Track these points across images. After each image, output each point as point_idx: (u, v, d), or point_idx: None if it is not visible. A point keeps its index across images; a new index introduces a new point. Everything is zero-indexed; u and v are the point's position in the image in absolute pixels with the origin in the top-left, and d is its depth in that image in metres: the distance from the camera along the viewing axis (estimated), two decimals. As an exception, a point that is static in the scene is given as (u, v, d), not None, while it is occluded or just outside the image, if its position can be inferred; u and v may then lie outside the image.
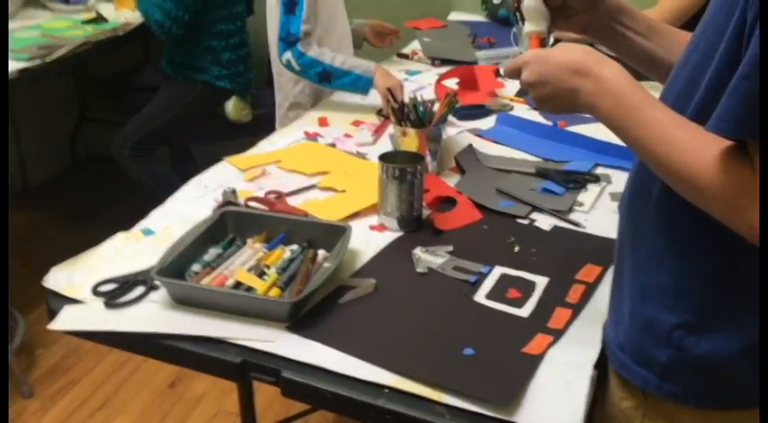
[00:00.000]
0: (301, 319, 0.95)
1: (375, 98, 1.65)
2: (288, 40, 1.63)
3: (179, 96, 2.25)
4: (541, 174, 1.37)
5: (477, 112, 1.67)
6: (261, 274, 1.02)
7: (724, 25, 0.66)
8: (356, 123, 1.63)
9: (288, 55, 1.64)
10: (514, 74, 0.81)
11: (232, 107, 2.24)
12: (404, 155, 1.22)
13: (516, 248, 1.13)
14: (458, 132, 1.57)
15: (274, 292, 0.99)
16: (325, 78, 1.64)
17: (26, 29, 2.27)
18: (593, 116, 0.76)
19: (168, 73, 2.28)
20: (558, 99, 0.77)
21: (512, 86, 1.77)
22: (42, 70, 2.04)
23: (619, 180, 1.35)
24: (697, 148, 0.65)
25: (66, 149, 3.06)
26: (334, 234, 1.09)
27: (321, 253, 1.08)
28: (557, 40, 1.37)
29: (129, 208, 1.32)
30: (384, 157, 1.18)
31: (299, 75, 1.67)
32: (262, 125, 1.94)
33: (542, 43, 0.87)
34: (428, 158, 1.36)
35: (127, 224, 1.19)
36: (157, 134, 2.28)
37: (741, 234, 0.64)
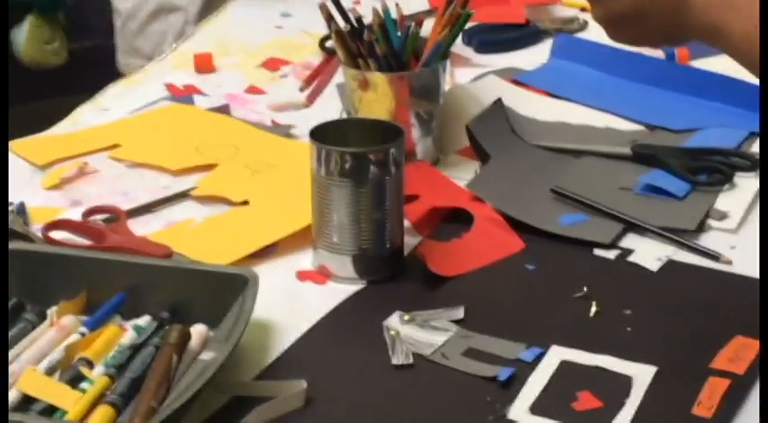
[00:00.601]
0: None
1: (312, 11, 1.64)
2: None
3: None
4: (643, 156, 1.38)
5: (513, 36, 1.70)
6: (75, 380, 1.02)
7: None
8: (271, 65, 1.65)
9: None
10: None
11: (26, 37, 2.25)
12: (364, 127, 1.23)
13: (593, 309, 1.15)
14: (474, 78, 1.60)
15: (102, 414, 0.99)
16: None
17: None
18: (718, 47, 0.82)
19: None
20: (648, 18, 0.83)
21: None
22: None
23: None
24: None
25: None
26: (223, 292, 1.10)
27: (198, 331, 1.08)
28: None
29: None
30: (321, 133, 1.19)
31: None
32: (84, 73, 1.94)
33: None
34: (414, 133, 1.38)
35: None
36: None
37: None
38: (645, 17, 0.85)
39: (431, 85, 1.38)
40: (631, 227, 1.27)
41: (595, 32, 1.63)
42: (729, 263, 1.22)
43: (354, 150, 1.16)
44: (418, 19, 1.40)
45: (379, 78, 1.36)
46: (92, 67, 1.95)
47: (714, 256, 1.22)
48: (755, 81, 1.45)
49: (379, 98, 1.36)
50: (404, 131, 1.20)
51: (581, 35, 1.70)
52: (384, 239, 1.19)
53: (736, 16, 0.82)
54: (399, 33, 1.39)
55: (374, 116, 1.34)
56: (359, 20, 1.39)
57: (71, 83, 1.89)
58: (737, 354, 1.08)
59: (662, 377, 1.05)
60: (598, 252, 1.24)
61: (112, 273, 1.13)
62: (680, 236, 1.25)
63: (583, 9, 1.78)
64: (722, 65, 1.49)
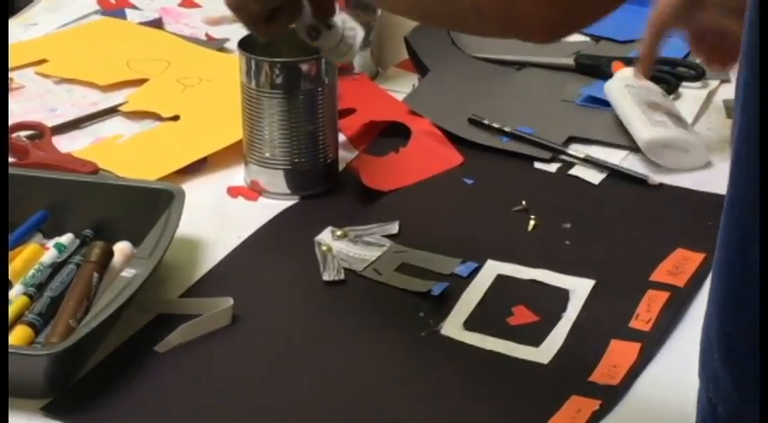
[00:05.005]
0: (76, 391, 0.95)
1: None
2: None
3: None
4: (586, 67, 1.39)
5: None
6: (-6, 299, 1.03)
7: None
8: (205, -22, 1.64)
9: None
10: None
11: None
12: (296, 38, 1.21)
13: (531, 223, 1.15)
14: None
15: (18, 334, 0.97)
16: None
17: None
18: None
19: None
20: None
21: None
22: None
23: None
24: None
25: None
26: (148, 208, 1.09)
27: (121, 248, 1.08)
28: None
29: None
30: (251, 45, 1.17)
31: None
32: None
33: None
34: (350, 43, 1.34)
35: None
36: None
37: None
38: None
39: (369, -6, 1.38)
40: (572, 140, 1.27)
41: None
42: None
43: (284, 60, 1.15)
44: None
45: (314, -13, 1.35)
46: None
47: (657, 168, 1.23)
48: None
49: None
50: (338, 42, 1.20)
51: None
52: (317, 153, 1.18)
53: None
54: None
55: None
56: None
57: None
58: (678, 266, 1.08)
59: (600, 290, 1.05)
60: (539, 165, 1.24)
61: (34, 190, 1.12)
62: (623, 149, 1.25)
63: None
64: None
